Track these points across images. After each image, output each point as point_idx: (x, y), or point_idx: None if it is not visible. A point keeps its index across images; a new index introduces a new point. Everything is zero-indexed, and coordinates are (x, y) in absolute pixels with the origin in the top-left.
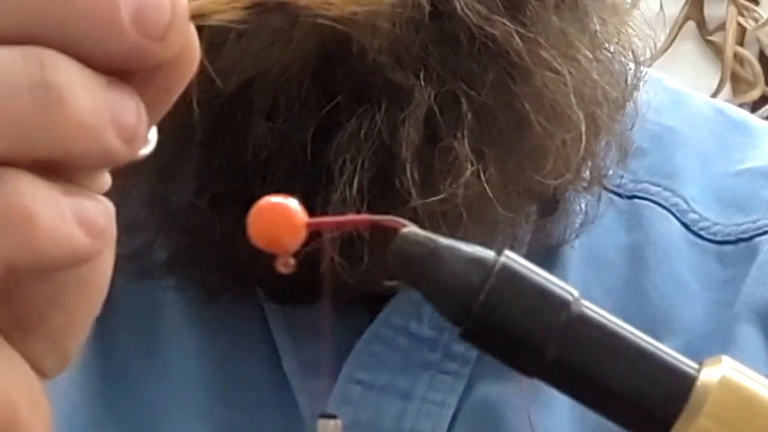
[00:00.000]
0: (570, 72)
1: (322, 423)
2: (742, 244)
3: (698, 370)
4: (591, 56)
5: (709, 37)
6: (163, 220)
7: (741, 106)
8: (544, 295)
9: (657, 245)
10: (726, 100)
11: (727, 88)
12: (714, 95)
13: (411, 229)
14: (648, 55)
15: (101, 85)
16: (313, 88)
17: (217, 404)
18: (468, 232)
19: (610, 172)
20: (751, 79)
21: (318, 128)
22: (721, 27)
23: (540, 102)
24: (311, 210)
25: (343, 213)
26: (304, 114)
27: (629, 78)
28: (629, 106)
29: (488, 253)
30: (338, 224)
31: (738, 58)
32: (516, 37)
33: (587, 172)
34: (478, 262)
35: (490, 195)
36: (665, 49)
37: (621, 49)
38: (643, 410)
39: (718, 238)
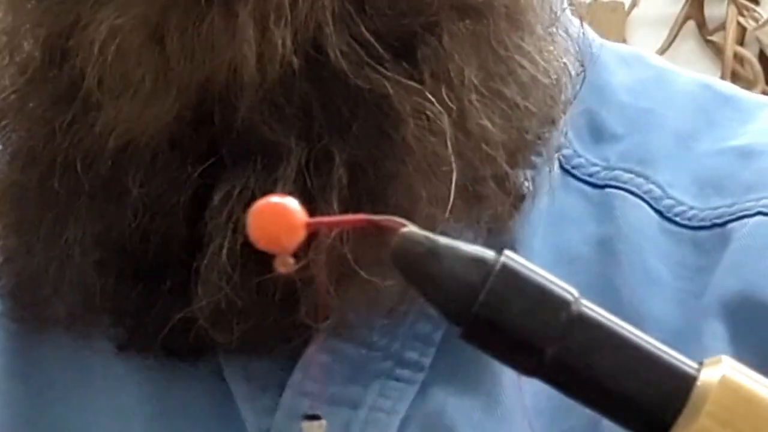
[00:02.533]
0: (456, 114)
1: (305, 425)
2: (717, 230)
3: (698, 370)
4: (500, 87)
5: (709, 37)
6: (57, 274)
7: None
8: (544, 294)
9: (628, 237)
10: None
11: None
12: None
13: (410, 228)
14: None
15: None
16: (187, 150)
17: (156, 422)
18: (337, 297)
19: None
20: (751, 79)
21: (195, 191)
22: (721, 27)
23: (413, 153)
24: (186, 279)
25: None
26: (179, 177)
27: (558, 94)
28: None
29: (488, 253)
30: (337, 224)
31: (738, 58)
32: (392, 86)
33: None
34: (478, 262)
35: (350, 260)
36: (665, 49)
37: (546, 67)
38: (643, 410)
39: (694, 223)
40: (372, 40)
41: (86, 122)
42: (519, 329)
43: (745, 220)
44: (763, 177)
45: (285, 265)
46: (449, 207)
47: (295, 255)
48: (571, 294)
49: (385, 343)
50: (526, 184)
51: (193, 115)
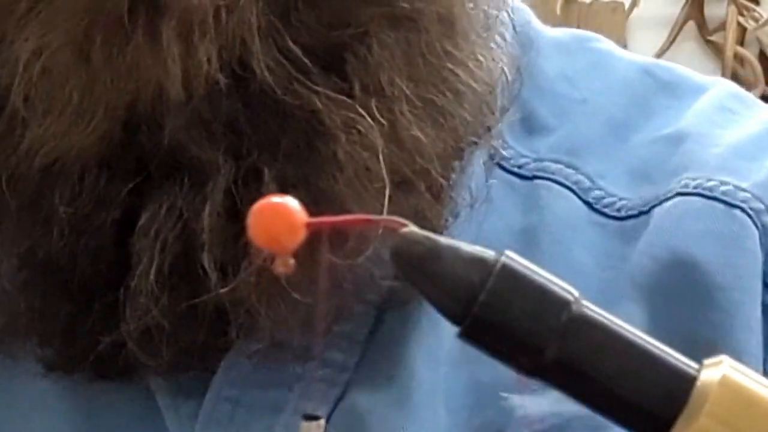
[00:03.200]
0: (387, 127)
1: (304, 425)
2: (642, 217)
3: (698, 370)
4: (433, 97)
5: (709, 37)
6: None
7: None
8: (544, 294)
9: (552, 226)
10: None
11: None
12: None
13: (411, 228)
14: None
15: None
16: (115, 169)
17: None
18: (268, 318)
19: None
20: (751, 79)
21: (124, 211)
22: (721, 27)
23: (344, 169)
24: (115, 299)
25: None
26: (107, 196)
27: (494, 101)
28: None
29: (488, 253)
30: (338, 224)
31: (738, 58)
32: (321, 101)
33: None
34: (479, 262)
35: (282, 281)
36: (665, 49)
37: (481, 74)
38: (643, 410)
39: (622, 213)
40: (300, 54)
41: (12, 140)
42: (519, 329)
43: (664, 204)
44: (687, 158)
45: (285, 266)
46: (383, 216)
47: (295, 255)
48: (572, 294)
49: (308, 343)
50: (462, 194)
51: (120, 134)
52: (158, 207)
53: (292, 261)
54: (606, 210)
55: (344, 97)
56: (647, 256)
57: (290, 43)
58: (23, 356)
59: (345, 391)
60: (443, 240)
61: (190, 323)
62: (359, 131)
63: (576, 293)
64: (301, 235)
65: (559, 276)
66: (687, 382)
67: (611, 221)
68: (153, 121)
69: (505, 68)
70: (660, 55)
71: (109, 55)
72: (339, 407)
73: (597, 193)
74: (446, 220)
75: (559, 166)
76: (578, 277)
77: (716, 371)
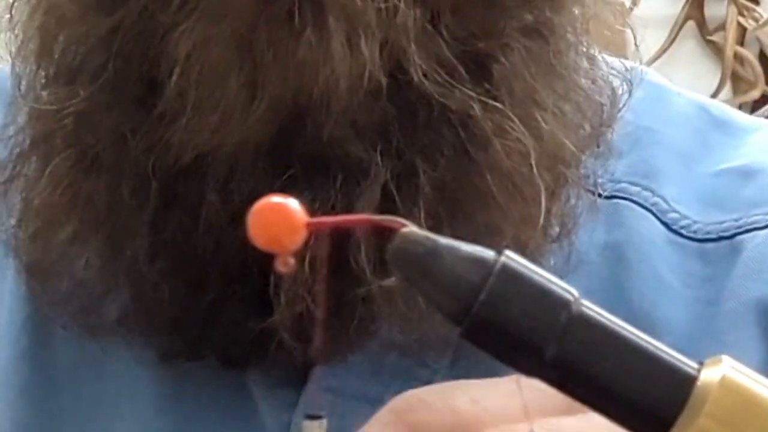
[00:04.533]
0: (535, 133)
1: (307, 424)
2: (724, 242)
3: (698, 370)
4: (564, 106)
5: (709, 37)
6: (114, 281)
7: (741, 106)
8: (544, 294)
9: (637, 244)
10: (726, 100)
11: (727, 88)
12: (714, 95)
13: (411, 228)
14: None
15: None
16: (268, 162)
17: (173, 417)
18: (422, 312)
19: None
20: (751, 79)
21: None
22: (721, 27)
23: (499, 172)
24: (258, 289)
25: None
26: (258, 188)
27: (609, 113)
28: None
29: (488, 253)
30: (338, 224)
31: (738, 58)
32: (476, 106)
33: (554, 228)
34: (479, 262)
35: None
36: (665, 49)
37: (601, 84)
38: (643, 410)
39: (699, 236)
40: (452, 59)
41: (161, 130)
42: (519, 329)
43: (755, 233)
44: (765, 192)
45: (285, 265)
46: (540, 226)
47: (295, 255)
48: (571, 294)
49: (407, 341)
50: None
51: (278, 128)
52: (311, 200)
53: (292, 261)
54: (682, 231)
55: (496, 103)
56: (755, 280)
57: (444, 49)
58: (129, 342)
59: None
60: (443, 240)
61: (339, 314)
62: (514, 137)
63: (576, 293)
64: (302, 235)
65: (648, 293)
66: (687, 382)
67: (689, 242)
68: (313, 118)
69: (614, 83)
70: (660, 55)
71: (276, 52)
72: None
73: (673, 215)
74: (571, 229)
75: (638, 188)
76: (666, 293)
77: (716, 371)
